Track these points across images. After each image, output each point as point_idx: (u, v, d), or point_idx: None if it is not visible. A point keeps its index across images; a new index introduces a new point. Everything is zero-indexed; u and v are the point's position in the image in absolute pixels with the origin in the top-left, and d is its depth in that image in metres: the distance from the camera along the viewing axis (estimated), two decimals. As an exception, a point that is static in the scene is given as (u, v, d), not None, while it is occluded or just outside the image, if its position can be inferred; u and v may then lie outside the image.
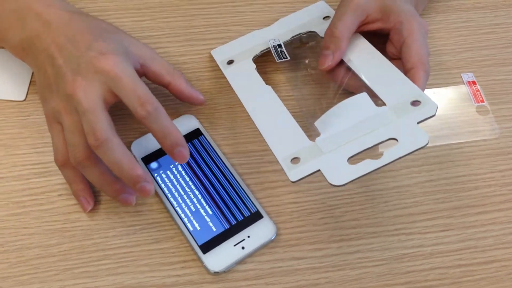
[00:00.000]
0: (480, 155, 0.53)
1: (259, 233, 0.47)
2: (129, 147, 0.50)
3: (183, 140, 0.43)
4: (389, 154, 0.41)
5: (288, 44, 0.54)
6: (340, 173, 0.41)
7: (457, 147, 0.53)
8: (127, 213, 0.47)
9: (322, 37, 0.54)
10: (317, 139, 0.45)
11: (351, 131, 0.44)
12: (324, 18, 0.56)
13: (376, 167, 0.41)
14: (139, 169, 0.42)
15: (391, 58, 0.50)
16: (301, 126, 0.46)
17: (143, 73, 0.47)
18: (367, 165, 0.41)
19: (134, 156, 0.49)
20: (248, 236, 0.46)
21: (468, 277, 0.47)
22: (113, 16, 0.57)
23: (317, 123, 0.46)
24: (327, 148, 0.43)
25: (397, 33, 0.49)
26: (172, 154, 0.43)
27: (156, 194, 0.48)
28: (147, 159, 0.49)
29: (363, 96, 0.46)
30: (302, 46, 0.56)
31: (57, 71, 0.43)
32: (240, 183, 0.49)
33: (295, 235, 0.48)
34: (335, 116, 0.46)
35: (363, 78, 0.49)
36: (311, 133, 0.46)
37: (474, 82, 0.57)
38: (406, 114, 0.44)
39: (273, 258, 0.47)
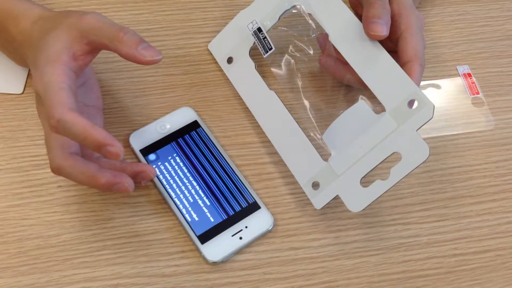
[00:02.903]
0: (475, 146, 0.53)
1: (256, 224, 0.47)
2: (127, 139, 0.50)
3: (105, 135, 0.40)
4: (396, 173, 0.44)
5: (275, 28, 0.53)
6: (356, 198, 0.45)
7: (453, 139, 0.54)
8: (126, 204, 0.48)
9: (309, 13, 0.51)
10: (329, 159, 0.47)
11: (357, 147, 0.46)
12: None
13: (387, 189, 0.44)
14: (100, 135, 0.39)
15: (387, 51, 0.50)
16: (310, 139, 0.49)
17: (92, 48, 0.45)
18: (378, 187, 0.44)
19: (133, 148, 0.50)
20: (246, 227, 0.47)
21: (464, 266, 0.48)
22: (110, 9, 0.57)
23: (324, 137, 0.48)
24: (340, 170, 0.46)
25: (395, 26, 0.49)
26: (100, 152, 0.40)
27: (154, 185, 0.48)
28: (145, 151, 0.49)
29: (362, 105, 0.48)
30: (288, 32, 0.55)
31: None
32: (238, 174, 0.49)
33: (292, 226, 0.48)
34: (339, 128, 0.48)
35: (358, 71, 0.48)
36: (321, 145, 0.49)
37: (469, 75, 0.57)
38: (405, 120, 0.45)
39: (270, 248, 0.47)
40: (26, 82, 0.52)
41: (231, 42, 0.54)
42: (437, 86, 0.57)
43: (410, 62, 0.47)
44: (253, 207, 0.48)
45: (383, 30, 0.46)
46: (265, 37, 0.52)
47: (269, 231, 0.47)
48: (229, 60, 0.54)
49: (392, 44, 0.50)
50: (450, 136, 0.54)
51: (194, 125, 0.51)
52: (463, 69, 0.58)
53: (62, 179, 0.48)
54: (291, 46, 0.55)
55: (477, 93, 0.56)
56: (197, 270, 0.46)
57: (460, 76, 0.57)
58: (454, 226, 0.49)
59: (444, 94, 0.56)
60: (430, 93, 0.56)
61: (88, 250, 0.46)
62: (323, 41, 0.53)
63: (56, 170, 0.42)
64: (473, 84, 0.57)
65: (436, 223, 0.49)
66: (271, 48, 0.52)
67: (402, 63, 0.47)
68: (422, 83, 0.56)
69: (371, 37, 0.46)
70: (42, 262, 0.45)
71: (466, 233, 0.49)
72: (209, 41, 0.56)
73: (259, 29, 0.52)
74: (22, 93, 0.52)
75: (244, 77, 0.53)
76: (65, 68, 0.42)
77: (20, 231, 0.46)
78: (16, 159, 0.49)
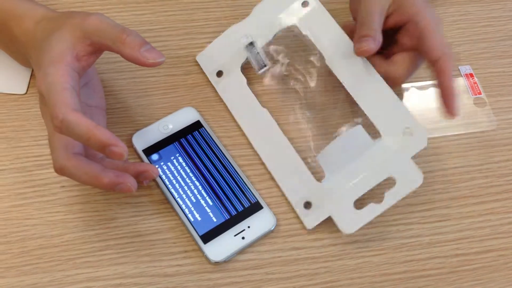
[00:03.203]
0: (477, 146, 0.53)
1: (259, 224, 0.47)
2: (130, 139, 0.50)
3: (109, 135, 0.40)
4: (389, 197, 0.46)
5: (270, 45, 0.54)
6: (349, 219, 0.46)
7: (455, 139, 0.54)
8: (129, 204, 0.48)
9: (304, 35, 0.52)
10: (323, 181, 0.48)
11: (352, 170, 0.47)
12: (302, 4, 0.52)
13: (380, 212, 0.46)
14: (103, 135, 0.39)
15: (402, 49, 0.50)
16: (303, 158, 0.49)
17: (95, 49, 0.45)
18: (372, 210, 0.46)
19: (136, 148, 0.50)
20: (248, 227, 0.47)
21: (466, 266, 0.48)
22: (113, 10, 0.58)
23: (319, 158, 0.49)
24: (334, 191, 0.47)
25: (413, 25, 0.49)
26: (104, 153, 0.40)
27: (157, 185, 0.48)
28: (148, 151, 0.49)
29: (359, 130, 0.48)
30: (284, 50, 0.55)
31: None
32: (240, 174, 0.49)
33: (295, 226, 0.48)
34: (335, 151, 0.48)
35: (355, 97, 0.49)
36: (314, 166, 0.49)
37: (471, 75, 0.57)
38: (400, 147, 0.46)
39: (272, 248, 0.47)
40: (29, 83, 0.52)
41: (222, 56, 0.54)
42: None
43: (440, 60, 0.47)
44: (256, 207, 0.48)
45: (368, 45, 0.47)
46: (258, 53, 0.52)
47: (271, 231, 0.47)
48: (219, 74, 0.54)
49: (410, 42, 0.49)
50: (452, 136, 0.54)
51: (197, 125, 0.51)
52: (465, 69, 0.58)
53: (65, 179, 0.48)
54: (286, 61, 0.55)
55: (479, 93, 0.56)
56: (200, 270, 0.46)
57: (462, 76, 0.57)
58: (456, 226, 0.49)
59: (446, 94, 0.56)
60: (432, 94, 0.56)
61: (91, 250, 0.46)
62: (350, 30, 0.52)
63: (60, 170, 0.43)
64: (475, 84, 0.57)
65: (438, 223, 0.49)
66: (265, 65, 0.51)
67: (431, 62, 0.48)
68: (424, 83, 0.56)
69: (362, 55, 0.48)
70: (45, 261, 0.45)
71: (468, 233, 0.49)
72: (211, 41, 0.56)
73: (251, 43, 0.52)
74: (25, 93, 0.52)
75: (235, 92, 0.52)
76: (68, 69, 0.42)
77: (23, 231, 0.46)
78: (19, 159, 0.49)
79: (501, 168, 0.52)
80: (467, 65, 0.58)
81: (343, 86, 0.50)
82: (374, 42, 0.47)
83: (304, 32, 0.52)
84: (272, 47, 0.54)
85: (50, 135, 0.44)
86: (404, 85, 0.56)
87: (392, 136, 0.47)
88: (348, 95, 0.49)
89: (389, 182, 0.47)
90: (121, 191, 0.43)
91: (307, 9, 0.52)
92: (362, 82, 0.49)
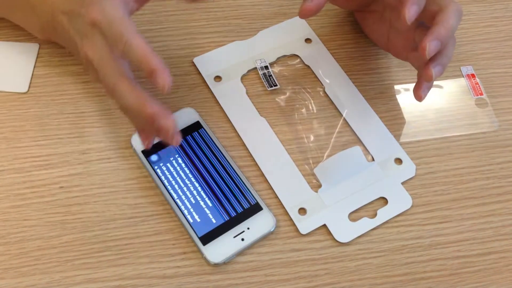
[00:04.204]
0: (479, 147, 0.53)
1: (258, 225, 0.47)
2: (129, 140, 0.50)
3: (160, 64, 0.42)
4: (382, 214, 0.48)
5: (273, 65, 0.55)
6: (343, 230, 0.47)
7: (456, 140, 0.53)
8: (128, 205, 0.48)
9: (307, 65, 0.55)
10: (319, 191, 0.49)
11: (347, 185, 0.49)
12: (305, 40, 0.57)
13: (373, 227, 0.48)
14: (151, 108, 0.42)
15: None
16: (299, 169, 0.50)
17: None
18: (365, 224, 0.48)
19: (135, 149, 0.49)
20: (248, 228, 0.47)
21: (467, 268, 0.47)
22: (113, 10, 0.57)
23: (316, 170, 0.50)
24: (329, 202, 0.48)
25: None
26: (151, 79, 0.42)
27: (156, 186, 0.48)
28: (147, 152, 0.49)
29: (356, 150, 0.50)
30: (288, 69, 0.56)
31: (71, 38, 0.46)
32: (240, 176, 0.49)
33: (294, 227, 0.48)
34: (332, 166, 0.50)
35: (351, 124, 0.52)
36: (311, 175, 0.50)
37: (473, 75, 0.57)
38: (391, 174, 0.50)
39: (272, 250, 0.47)
40: (30, 81, 0.52)
41: (222, 64, 0.55)
42: (441, 87, 0.56)
43: (440, 10, 0.45)
44: (255, 209, 0.48)
45: (305, 4, 0.46)
46: (271, 75, 0.54)
47: (271, 233, 0.47)
48: (217, 78, 0.54)
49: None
50: (453, 137, 0.53)
51: (196, 126, 0.51)
52: (466, 69, 0.57)
53: (64, 179, 0.48)
54: (289, 85, 0.55)
55: (481, 94, 0.56)
56: (199, 271, 0.46)
57: (463, 77, 0.57)
58: (457, 228, 0.49)
59: (448, 95, 0.56)
60: (434, 94, 0.56)
61: (90, 251, 0.46)
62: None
63: (112, 89, 0.43)
64: (477, 85, 0.56)
65: (439, 224, 0.49)
66: (276, 85, 0.53)
67: (436, 13, 0.46)
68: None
69: (302, 17, 0.47)
70: (43, 263, 0.45)
71: (470, 235, 0.49)
72: (212, 41, 0.56)
73: (266, 67, 0.54)
74: (27, 91, 0.52)
75: (233, 99, 0.53)
76: (122, 5, 0.44)
77: (21, 232, 0.46)
78: (18, 160, 0.49)
79: (503, 169, 0.52)
80: (469, 65, 0.58)
81: (341, 114, 0.53)
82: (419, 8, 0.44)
83: (306, 62, 0.55)
84: (276, 68, 0.55)
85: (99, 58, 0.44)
86: (404, 85, 0.56)
87: (384, 162, 0.50)
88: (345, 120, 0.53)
89: (382, 200, 0.49)
90: (158, 128, 0.43)
91: (310, 45, 0.57)
92: (359, 114, 0.53)
